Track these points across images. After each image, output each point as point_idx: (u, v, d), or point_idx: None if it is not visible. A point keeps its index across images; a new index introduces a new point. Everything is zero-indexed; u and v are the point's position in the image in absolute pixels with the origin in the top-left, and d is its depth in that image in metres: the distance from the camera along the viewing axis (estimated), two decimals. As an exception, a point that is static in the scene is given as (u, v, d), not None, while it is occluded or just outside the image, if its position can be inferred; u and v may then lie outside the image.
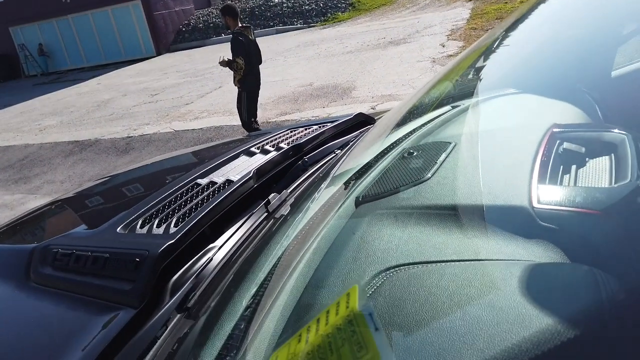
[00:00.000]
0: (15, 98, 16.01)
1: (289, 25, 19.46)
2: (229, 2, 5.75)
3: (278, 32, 19.21)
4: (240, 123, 6.11)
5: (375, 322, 0.54)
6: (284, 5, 20.87)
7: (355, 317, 0.56)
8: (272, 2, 21.56)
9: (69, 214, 1.62)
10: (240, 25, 5.37)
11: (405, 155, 0.97)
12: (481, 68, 1.23)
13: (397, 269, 0.66)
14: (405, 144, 1.04)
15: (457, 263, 0.63)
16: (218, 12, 22.15)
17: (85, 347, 0.84)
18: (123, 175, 1.99)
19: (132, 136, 7.88)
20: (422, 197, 0.80)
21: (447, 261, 0.63)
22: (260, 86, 5.84)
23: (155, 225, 1.09)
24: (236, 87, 5.63)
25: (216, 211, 1.15)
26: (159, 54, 20.68)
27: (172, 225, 1.08)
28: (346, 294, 0.61)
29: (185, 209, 1.16)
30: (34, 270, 1.08)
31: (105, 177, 2.01)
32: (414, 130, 1.09)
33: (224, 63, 5.41)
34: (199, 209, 1.15)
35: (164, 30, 21.00)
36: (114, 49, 21.56)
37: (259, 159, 1.48)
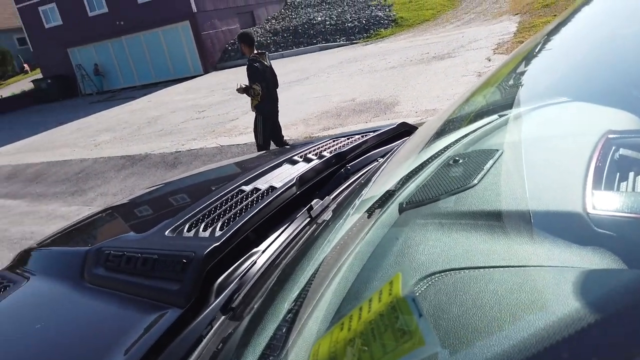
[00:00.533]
0: (72, 115, 16.93)
1: (331, 42, 19.70)
2: (247, 30, 5.82)
3: (321, 49, 19.48)
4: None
5: (419, 308, 0.54)
6: (327, 23, 21.17)
7: (398, 304, 0.55)
8: (315, 20, 21.93)
9: (121, 220, 1.69)
10: (255, 52, 5.53)
11: (450, 162, 0.96)
12: (525, 75, 1.20)
13: (442, 274, 0.65)
14: (449, 152, 1.02)
15: (506, 269, 0.61)
16: (261, 31, 22.76)
17: (134, 344, 0.87)
18: (171, 184, 2.06)
19: (180, 151, 8.14)
20: (468, 203, 0.79)
21: (495, 267, 0.62)
22: (279, 110, 5.93)
23: (201, 229, 1.12)
24: (253, 112, 5.74)
25: (260, 216, 1.18)
26: (206, 72, 21.38)
27: (217, 229, 1.11)
28: (389, 282, 0.61)
29: (230, 213, 1.19)
30: (88, 271, 1.13)
31: (154, 186, 2.08)
32: (458, 139, 1.08)
33: (241, 90, 5.54)
34: (243, 214, 1.18)
35: (211, 50, 21.73)
36: (163, 68, 22.48)
37: (302, 167, 1.50)
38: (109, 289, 1.06)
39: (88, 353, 0.93)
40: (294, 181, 1.35)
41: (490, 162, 0.83)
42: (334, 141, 1.80)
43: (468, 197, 0.78)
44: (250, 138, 7.83)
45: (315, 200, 1.25)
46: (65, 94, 24.36)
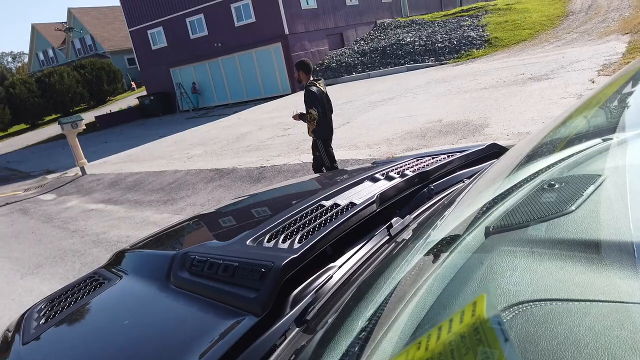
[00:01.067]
0: (170, 130, 18.22)
1: (420, 62, 19.54)
2: (304, 58, 5.95)
3: (409, 69, 19.37)
4: (360, 157, 6.17)
5: (505, 332, 0.50)
6: (416, 43, 21.05)
7: (482, 326, 0.52)
8: (404, 41, 21.90)
9: (206, 228, 1.77)
10: (312, 78, 5.56)
11: (544, 187, 0.90)
12: (632, 96, 1.11)
13: (532, 303, 0.60)
14: (543, 176, 0.97)
15: (605, 304, 0.56)
16: (349, 52, 23.13)
17: (210, 348, 0.90)
18: (254, 197, 2.13)
19: (264, 166, 8.42)
20: (563, 231, 0.74)
21: (592, 301, 0.57)
22: (333, 133, 5.91)
23: (280, 241, 1.14)
24: (311, 137, 5.75)
25: (338, 231, 1.17)
26: (294, 91, 22.08)
27: (296, 241, 1.12)
28: (472, 303, 0.57)
29: (309, 227, 1.20)
30: (174, 274, 1.20)
31: (239, 198, 2.17)
32: (554, 162, 1.01)
33: (297, 117, 5.61)
34: (322, 228, 1.18)
35: (300, 70, 22.46)
36: (254, 87, 23.57)
37: (383, 185, 1.48)
38: (192, 292, 1.11)
39: (167, 351, 0.97)
40: (374, 198, 1.33)
41: (591, 188, 0.78)
42: (417, 160, 1.76)
43: (563, 225, 0.74)
44: (333, 156, 7.93)
45: (395, 219, 1.23)
46: (165, 109, 26.32)
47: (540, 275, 0.65)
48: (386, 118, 10.01)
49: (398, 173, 1.58)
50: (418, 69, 18.94)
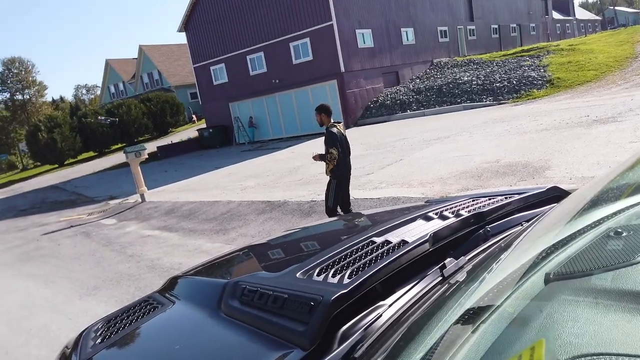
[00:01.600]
0: (226, 161, 18.82)
1: (477, 102, 19.30)
2: (325, 102, 6.18)
3: (465, 108, 19.16)
4: (413, 195, 6.10)
5: None
6: (474, 82, 20.87)
7: None
8: (461, 80, 21.78)
9: (256, 259, 1.79)
10: (332, 121, 5.80)
11: (611, 234, 0.86)
12: None
13: (596, 357, 0.57)
14: (609, 223, 0.92)
15: None
16: (404, 89, 23.24)
17: None
18: (304, 230, 2.14)
19: (315, 200, 8.48)
20: (632, 282, 0.70)
21: None
22: (351, 176, 6.09)
23: (330, 275, 1.14)
24: (328, 177, 5.90)
25: (389, 269, 1.16)
26: (346, 127, 22.33)
27: (346, 276, 1.11)
28: (530, 348, 0.54)
29: (360, 263, 1.19)
30: (225, 302, 1.22)
31: (289, 230, 2.19)
32: (621, 209, 0.96)
33: (317, 157, 5.77)
34: (372, 264, 1.17)
35: (353, 106, 22.76)
36: (308, 122, 24.04)
37: (437, 224, 1.46)
38: (241, 322, 1.12)
39: None
40: (427, 237, 1.31)
41: None
42: (473, 200, 1.72)
43: (631, 275, 0.70)
44: (384, 193, 7.88)
45: (449, 260, 1.20)
46: (223, 142, 27.29)
47: (606, 327, 0.62)
48: (441, 156, 9.88)
49: (453, 212, 1.55)
50: (475, 108, 18.70)
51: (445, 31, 29.32)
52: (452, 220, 1.47)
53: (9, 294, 6.66)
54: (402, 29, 25.84)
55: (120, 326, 1.41)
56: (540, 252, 0.95)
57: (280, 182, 11.38)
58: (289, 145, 20.90)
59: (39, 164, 38.14)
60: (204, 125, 30.60)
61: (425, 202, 2.03)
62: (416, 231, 1.42)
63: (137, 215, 11.16)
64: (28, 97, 69.46)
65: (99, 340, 1.36)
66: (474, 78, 21.47)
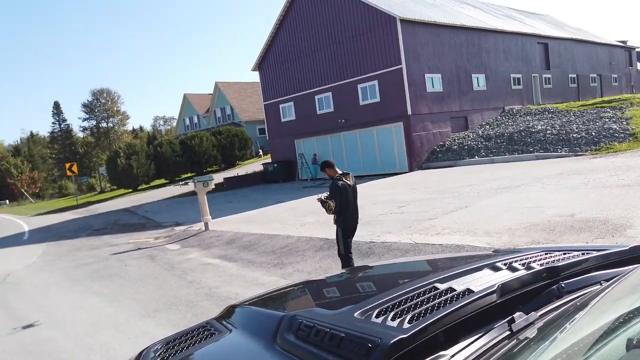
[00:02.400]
0: (288, 196, 19.11)
1: (551, 152, 18.50)
2: (328, 159, 6.58)
3: (537, 158, 18.42)
4: (478, 244, 5.87)
5: None
6: (548, 132, 20.10)
7: None
8: (534, 128, 21.06)
9: (314, 294, 1.77)
10: (339, 172, 6.14)
11: None
12: None
13: None
14: None
15: None
16: (473, 135, 22.78)
17: None
18: (363, 269, 2.10)
19: (374, 242, 8.36)
20: None
21: None
22: (357, 226, 6.41)
23: (390, 318, 1.10)
24: (334, 224, 6.26)
25: (452, 318, 1.10)
26: (411, 170, 22.11)
27: (406, 320, 1.07)
28: None
29: (421, 308, 1.14)
30: (281, 335, 1.21)
31: (347, 269, 2.16)
32: None
33: (320, 200, 6.08)
34: (434, 311, 1.12)
35: (419, 150, 22.57)
36: (372, 162, 24.07)
37: (505, 275, 1.38)
38: (296, 357, 1.10)
39: None
40: (494, 288, 1.24)
41: None
42: (546, 253, 1.62)
43: None
44: (446, 239, 7.63)
45: (518, 314, 1.13)
46: (286, 177, 27.86)
47: None
48: (509, 206, 9.48)
49: (523, 265, 1.46)
50: (548, 158, 17.93)
51: (518, 78, 28.71)
52: (523, 272, 1.39)
53: (76, 310, 7.01)
54: (473, 75, 25.61)
55: (178, 349, 1.44)
56: (622, 315, 0.88)
57: (340, 220, 11.35)
58: (351, 184, 20.95)
59: (115, 187, 40.63)
60: (269, 160, 31.46)
61: (492, 251, 1.94)
62: (482, 281, 1.35)
63: (200, 242, 11.51)
64: (112, 125, 75.18)
65: None
66: (548, 127, 20.69)
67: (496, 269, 1.46)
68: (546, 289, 1.33)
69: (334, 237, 9.23)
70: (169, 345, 1.50)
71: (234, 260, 9.02)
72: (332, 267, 7.37)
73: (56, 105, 77.76)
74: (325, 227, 10.72)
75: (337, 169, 6.18)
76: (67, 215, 26.91)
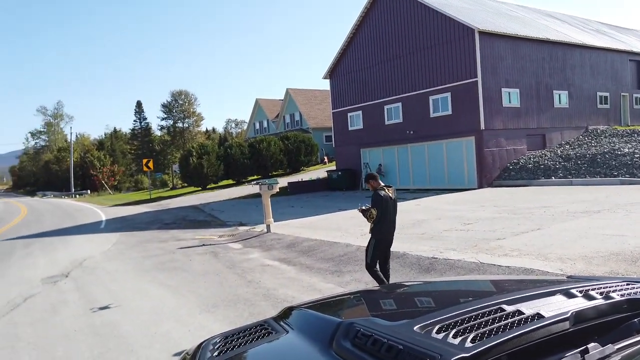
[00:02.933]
0: (349, 204, 19.04)
1: (638, 177, 17.17)
2: (373, 172, 6.80)
3: (622, 182, 17.16)
4: (549, 270, 5.53)
5: None
6: (636, 155, 18.68)
7: None
8: (620, 151, 19.67)
9: (372, 304, 1.74)
10: (382, 185, 6.32)
11: None
12: None
13: None
14: None
15: None
16: (550, 154, 21.62)
17: None
18: (426, 284, 2.04)
19: (436, 258, 8.12)
20: None
21: None
22: (393, 240, 6.42)
23: (451, 335, 1.05)
24: (369, 234, 6.31)
25: (519, 341, 1.03)
26: (480, 186, 21.33)
27: (468, 339, 1.01)
28: None
29: (485, 329, 1.08)
30: (337, 341, 1.19)
31: (410, 282, 2.10)
32: None
33: (361, 210, 6.22)
34: (500, 333, 1.05)
35: (490, 166, 21.73)
36: (438, 176, 23.48)
37: (580, 303, 1.28)
38: None
39: None
40: (567, 315, 1.15)
41: None
42: (627, 284, 1.48)
43: None
44: (514, 262, 7.27)
45: (593, 344, 1.03)
46: (349, 185, 27.83)
47: None
48: (587, 233, 8.87)
49: (601, 293, 1.35)
50: (635, 184, 16.64)
51: (605, 97, 26.97)
52: (600, 301, 1.28)
53: (143, 298, 7.37)
54: (555, 91, 24.36)
55: (235, 344, 1.47)
56: None
57: (401, 233, 11.14)
58: (414, 197, 20.56)
59: (185, 184, 42.50)
60: (334, 167, 31.60)
61: (566, 277, 1.81)
62: (554, 306, 1.26)
63: (261, 244, 11.74)
64: (187, 125, 78.84)
65: (216, 353, 1.42)
66: (637, 150, 19.24)
67: (570, 295, 1.36)
68: (626, 321, 1.22)
69: (395, 249, 9.09)
70: (227, 340, 1.54)
71: (292, 263, 9.11)
72: (391, 280, 7.24)
73: (138, 105, 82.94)
74: (386, 238, 10.58)
75: (380, 182, 6.38)
76: (140, 208, 28.50)
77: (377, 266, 6.31)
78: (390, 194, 6.21)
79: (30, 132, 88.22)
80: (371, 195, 6.29)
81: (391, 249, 6.55)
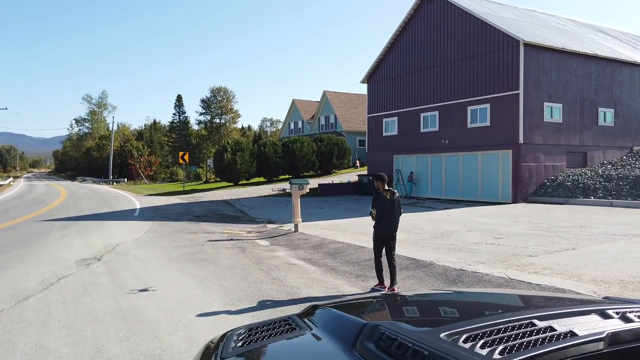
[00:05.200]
0: (381, 210, 18.92)
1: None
2: (381, 173, 7.41)
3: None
4: (582, 291, 5.32)
5: None
6: (678, 180, 17.89)
7: None
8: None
9: (397, 308, 1.72)
10: (386, 187, 7.19)
11: None
12: None
13: None
14: None
15: None
16: (591, 173, 20.90)
17: None
18: (452, 294, 2.00)
19: (464, 270, 7.97)
20: None
21: None
22: (396, 238, 7.45)
23: (479, 345, 1.02)
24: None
25: (549, 358, 0.99)
26: (514, 201, 20.83)
27: (497, 351, 0.98)
28: None
29: (515, 342, 1.04)
30: (361, 342, 1.18)
31: (438, 290, 2.06)
32: None
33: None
34: (529, 348, 1.02)
35: (526, 181, 21.20)
36: (472, 188, 23.05)
37: (616, 324, 1.23)
38: None
39: None
40: (602, 336, 1.11)
41: None
42: (669, 309, 1.41)
43: None
44: (545, 280, 7.06)
45: None
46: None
47: None
48: (626, 256, 8.54)
49: (639, 317, 1.29)
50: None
51: (653, 118, 25.97)
52: (638, 324, 1.22)
53: (170, 286, 7.52)
54: (600, 109, 23.58)
55: (259, 337, 1.48)
56: None
57: (430, 242, 11.00)
58: (445, 207, 20.25)
59: (218, 179, 43.20)
60: (365, 172, 31.47)
61: (603, 297, 1.74)
62: (589, 326, 1.21)
63: (288, 242, 11.80)
64: (224, 121, 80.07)
65: (239, 344, 1.44)
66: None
67: (606, 316, 1.31)
68: None
69: (422, 258, 9.00)
70: (251, 332, 1.55)
71: (318, 264, 9.11)
72: (416, 289, 7.15)
73: (178, 98, 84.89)
74: (414, 246, 10.46)
75: (385, 185, 7.20)
76: (173, 199, 29.11)
77: (381, 257, 7.29)
78: (387, 196, 7.14)
79: (74, 119, 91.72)
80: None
81: (416, 258, 6.54)
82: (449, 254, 9.49)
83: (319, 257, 9.85)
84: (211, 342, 1.61)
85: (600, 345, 1.09)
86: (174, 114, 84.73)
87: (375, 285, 7.35)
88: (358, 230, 13.29)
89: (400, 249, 10.07)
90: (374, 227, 7.37)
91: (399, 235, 11.91)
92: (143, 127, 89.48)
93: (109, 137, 70.62)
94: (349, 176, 35.56)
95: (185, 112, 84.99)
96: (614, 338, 1.13)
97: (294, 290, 7.16)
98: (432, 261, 8.74)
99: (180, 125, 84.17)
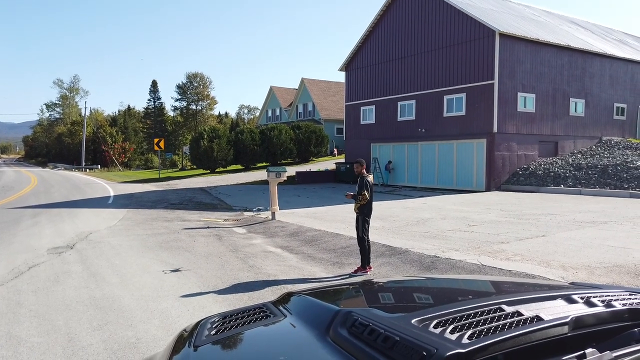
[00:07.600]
0: (357, 198, 19.04)
1: (647, 191, 17.02)
2: (361, 159, 8.07)
3: (632, 195, 17.02)
4: (550, 277, 5.48)
5: None
6: (647, 169, 18.50)
7: None
8: (632, 163, 19.47)
9: (371, 295, 1.74)
10: (365, 171, 7.69)
11: None
12: None
13: None
14: None
15: None
16: (561, 162, 21.41)
17: None
18: (425, 280, 2.04)
19: (438, 257, 8.12)
20: None
21: None
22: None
23: (448, 330, 1.05)
24: (355, 213, 7.74)
25: (516, 342, 1.03)
26: (488, 189, 21.23)
27: (465, 336, 1.01)
28: None
29: (483, 327, 1.08)
30: (334, 328, 1.20)
31: (411, 277, 2.10)
32: None
33: (349, 196, 7.66)
34: (498, 332, 1.05)
35: (499, 170, 21.60)
36: (447, 177, 23.38)
37: (580, 309, 1.28)
38: (346, 352, 1.09)
39: None
40: (567, 320, 1.15)
41: None
42: (630, 294, 1.48)
43: None
44: (516, 266, 7.25)
45: (590, 350, 1.03)
46: (357, 179, 27.76)
47: None
48: (592, 243, 8.82)
49: (603, 301, 1.34)
50: (642, 197, 16.49)
51: (622, 108, 26.66)
52: (601, 309, 1.27)
53: (144, 274, 7.44)
54: (572, 99, 24.10)
55: (234, 324, 1.48)
56: None
57: (406, 230, 11.15)
58: (421, 195, 20.50)
59: (195, 167, 42.71)
60: (343, 160, 31.55)
61: (569, 283, 1.80)
62: (554, 310, 1.26)
63: (265, 230, 11.79)
64: (200, 108, 79.00)
65: (213, 332, 1.44)
66: (651, 163, 19.03)
67: (571, 300, 1.36)
68: (626, 330, 1.21)
69: (398, 245, 9.11)
70: (225, 320, 1.55)
71: (294, 252, 9.14)
72: (391, 275, 7.25)
73: (154, 84, 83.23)
74: (390, 233, 10.58)
75: (365, 169, 7.75)
76: (148, 186, 28.68)
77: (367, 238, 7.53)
78: (371, 180, 7.67)
79: (45, 104, 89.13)
80: (357, 182, 7.65)
81: (392, 245, 6.63)
82: (424, 241, 9.63)
83: (296, 244, 9.88)
84: (184, 330, 1.61)
85: (565, 329, 1.13)
86: (149, 100, 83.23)
87: (356, 270, 7.43)
88: (335, 218, 13.37)
89: (376, 236, 10.18)
90: (359, 209, 7.58)
91: (375, 223, 12.04)
92: (117, 112, 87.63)
93: (81, 122, 68.88)
94: (326, 164, 35.60)
95: (160, 98, 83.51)
96: (578, 322, 1.17)
97: (271, 277, 7.18)
98: (407, 248, 8.86)
99: (155, 112, 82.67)
